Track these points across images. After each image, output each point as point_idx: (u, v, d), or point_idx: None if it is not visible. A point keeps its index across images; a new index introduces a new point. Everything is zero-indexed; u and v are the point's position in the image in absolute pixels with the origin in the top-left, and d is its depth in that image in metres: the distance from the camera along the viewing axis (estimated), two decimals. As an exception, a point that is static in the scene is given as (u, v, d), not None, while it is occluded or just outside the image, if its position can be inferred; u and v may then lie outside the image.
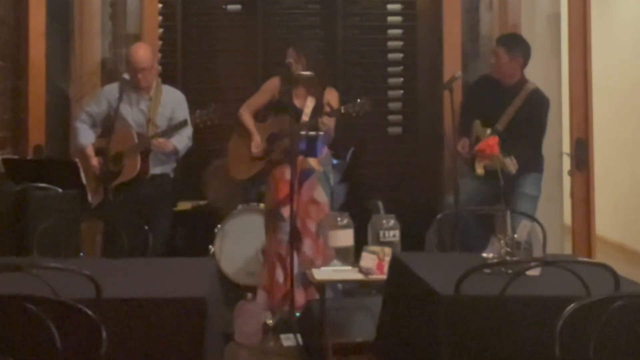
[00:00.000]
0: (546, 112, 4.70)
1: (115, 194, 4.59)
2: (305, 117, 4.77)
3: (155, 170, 4.73)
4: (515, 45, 4.70)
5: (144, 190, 4.69)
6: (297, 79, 4.72)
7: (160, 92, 4.79)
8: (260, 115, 4.99)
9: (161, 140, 4.65)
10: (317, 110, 4.79)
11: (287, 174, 4.64)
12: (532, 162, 4.68)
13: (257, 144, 4.89)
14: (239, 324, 4.25)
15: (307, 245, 4.69)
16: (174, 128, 4.68)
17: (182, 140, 4.74)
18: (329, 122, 4.69)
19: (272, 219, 4.79)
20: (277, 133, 4.85)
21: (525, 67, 4.73)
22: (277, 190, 4.78)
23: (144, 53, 4.69)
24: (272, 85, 4.94)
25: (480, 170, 4.46)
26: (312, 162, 4.79)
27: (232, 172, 5.03)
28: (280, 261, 4.70)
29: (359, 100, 4.66)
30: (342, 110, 4.67)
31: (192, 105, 4.86)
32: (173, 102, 4.80)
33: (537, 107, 4.66)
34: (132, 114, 4.73)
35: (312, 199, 4.76)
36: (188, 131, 4.76)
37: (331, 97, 4.85)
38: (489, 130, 4.60)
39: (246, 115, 4.94)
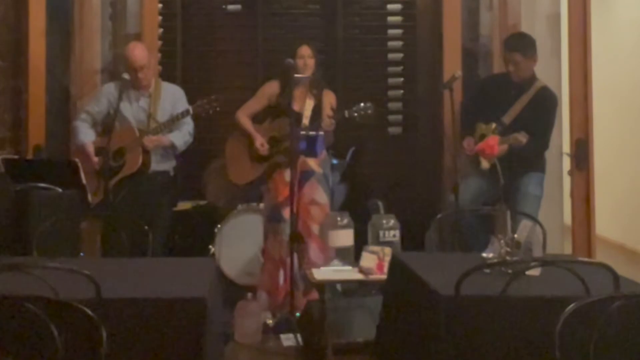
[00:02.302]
0: (554, 110, 4.71)
1: (116, 191, 4.59)
2: (305, 120, 4.76)
3: (155, 167, 4.74)
4: (527, 46, 4.69)
5: (143, 187, 4.69)
6: (298, 81, 4.71)
7: (159, 88, 4.82)
8: (256, 118, 4.98)
9: (153, 137, 4.66)
10: (317, 113, 4.79)
11: (287, 176, 4.64)
12: (535, 161, 4.69)
13: (260, 143, 4.87)
14: (239, 324, 4.25)
15: (311, 248, 4.68)
16: (176, 118, 4.69)
17: (181, 136, 4.75)
18: (330, 126, 4.68)
19: (272, 221, 4.78)
20: (277, 136, 4.84)
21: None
22: (277, 192, 4.77)
23: (141, 52, 4.72)
24: (270, 89, 4.93)
25: (485, 163, 4.46)
26: (312, 163, 4.78)
27: (231, 177, 5.02)
28: (282, 263, 4.69)
29: (362, 104, 4.66)
30: (346, 115, 4.68)
31: (192, 104, 4.86)
32: (173, 96, 4.82)
33: (545, 104, 4.66)
34: (132, 111, 4.74)
35: (313, 201, 4.75)
36: (189, 127, 4.78)
37: (329, 99, 4.86)
38: (493, 125, 4.60)
39: (244, 118, 4.93)
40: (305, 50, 4.80)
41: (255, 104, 4.96)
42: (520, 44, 4.71)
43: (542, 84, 4.71)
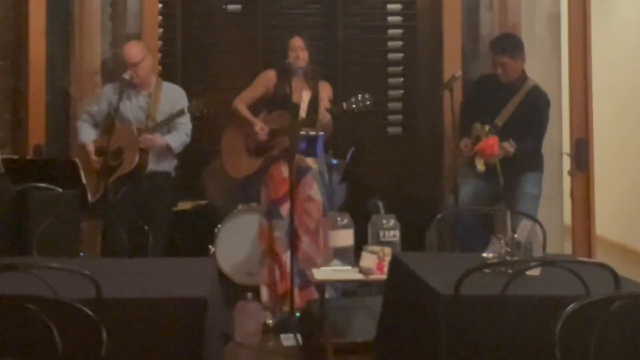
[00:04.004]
0: (546, 109, 4.69)
1: (115, 191, 4.59)
2: (302, 112, 4.75)
3: (155, 167, 4.74)
4: (514, 48, 4.69)
5: (143, 187, 4.70)
6: (295, 71, 4.69)
7: (160, 89, 4.83)
8: (252, 110, 4.96)
9: (149, 136, 4.66)
10: (314, 104, 4.78)
11: (285, 172, 4.64)
12: (532, 161, 4.69)
13: (260, 127, 4.83)
14: (239, 324, 4.25)
15: (306, 243, 4.68)
16: (171, 117, 4.69)
17: (178, 137, 4.75)
18: (326, 119, 4.68)
19: (269, 218, 4.78)
20: (273, 129, 4.83)
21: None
22: (274, 188, 4.77)
23: (136, 50, 4.76)
24: (267, 78, 4.92)
25: (481, 166, 4.46)
26: (308, 159, 4.78)
27: (228, 170, 5.02)
28: (276, 259, 4.69)
29: (360, 95, 4.65)
30: (345, 107, 4.67)
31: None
32: (173, 97, 4.82)
33: (536, 103, 4.65)
34: (131, 111, 4.76)
35: (309, 197, 4.75)
36: (186, 128, 4.79)
37: (326, 91, 4.85)
38: (487, 127, 4.60)
39: (242, 107, 4.92)
40: (297, 42, 4.78)
41: (252, 92, 4.94)
42: (507, 46, 4.70)
43: (533, 84, 4.70)
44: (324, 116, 4.67)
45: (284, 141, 4.69)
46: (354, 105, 4.65)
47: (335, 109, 4.69)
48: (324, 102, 4.78)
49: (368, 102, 4.65)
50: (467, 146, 4.66)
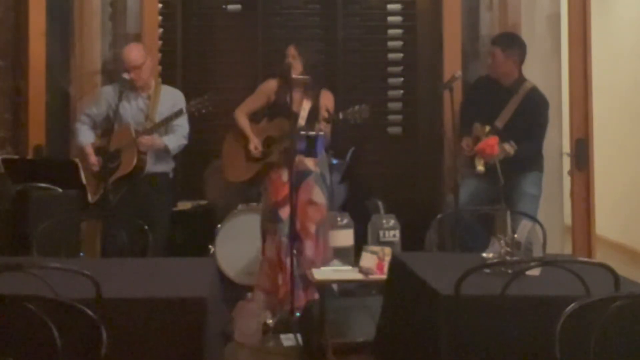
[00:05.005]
0: (545, 110, 4.69)
1: (115, 192, 4.59)
2: (301, 121, 4.75)
3: (154, 168, 4.74)
4: (510, 43, 4.70)
5: (142, 188, 4.70)
6: (295, 81, 4.70)
7: (159, 91, 4.83)
8: (254, 117, 4.98)
9: (147, 137, 4.66)
10: (313, 114, 4.78)
11: (284, 175, 4.64)
12: (532, 161, 4.69)
13: (254, 146, 4.86)
14: (239, 324, 4.25)
15: (308, 247, 4.67)
16: (169, 118, 4.69)
17: (175, 139, 4.75)
18: (325, 128, 4.68)
19: (270, 222, 4.77)
20: (273, 136, 4.83)
21: (521, 64, 4.73)
22: (274, 192, 4.76)
23: (136, 53, 4.75)
24: (268, 87, 4.93)
25: (480, 167, 4.46)
26: (309, 163, 4.77)
27: (227, 175, 5.02)
28: (280, 264, 4.68)
29: (357, 106, 4.65)
30: (341, 117, 4.67)
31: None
32: (172, 100, 4.82)
33: (535, 105, 4.66)
34: (131, 112, 4.75)
35: (310, 200, 4.74)
36: (184, 130, 4.79)
37: (327, 100, 4.84)
38: (487, 128, 4.60)
39: (242, 118, 4.93)
40: (290, 51, 4.79)
41: (254, 102, 4.96)
42: (502, 40, 4.73)
43: (531, 85, 4.70)
44: (321, 130, 4.66)
45: (284, 147, 4.69)
46: (350, 116, 4.64)
47: (330, 118, 4.68)
48: (321, 113, 4.77)
49: (364, 114, 4.63)
50: (469, 145, 4.66)
